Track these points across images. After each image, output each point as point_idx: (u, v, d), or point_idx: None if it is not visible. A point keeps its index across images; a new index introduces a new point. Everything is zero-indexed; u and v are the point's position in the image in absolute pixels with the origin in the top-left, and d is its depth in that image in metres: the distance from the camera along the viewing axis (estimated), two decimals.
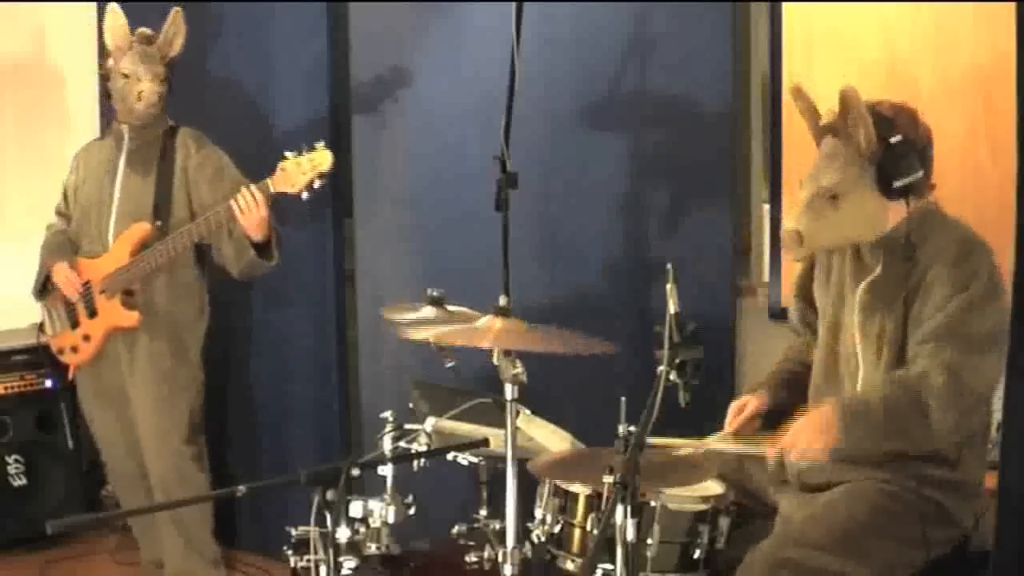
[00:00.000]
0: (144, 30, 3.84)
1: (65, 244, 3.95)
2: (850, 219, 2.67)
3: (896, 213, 2.65)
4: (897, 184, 2.60)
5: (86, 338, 3.92)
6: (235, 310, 4.10)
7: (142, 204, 3.84)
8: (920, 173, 2.61)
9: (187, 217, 3.84)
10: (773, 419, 2.81)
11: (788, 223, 2.71)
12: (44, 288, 3.96)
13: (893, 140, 2.60)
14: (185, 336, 3.93)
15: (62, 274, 3.85)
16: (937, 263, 2.58)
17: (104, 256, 3.85)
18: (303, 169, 3.52)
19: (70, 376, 4.06)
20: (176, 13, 3.84)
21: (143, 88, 3.78)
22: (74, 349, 3.96)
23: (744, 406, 2.87)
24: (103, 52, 3.95)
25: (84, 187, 3.96)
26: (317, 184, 3.54)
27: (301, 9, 4.18)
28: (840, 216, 2.66)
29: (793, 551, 2.51)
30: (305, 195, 3.55)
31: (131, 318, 3.83)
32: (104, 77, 3.91)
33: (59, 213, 4.05)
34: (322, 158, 3.53)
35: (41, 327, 4.06)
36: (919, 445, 2.56)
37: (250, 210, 3.59)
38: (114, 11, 3.82)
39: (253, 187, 3.60)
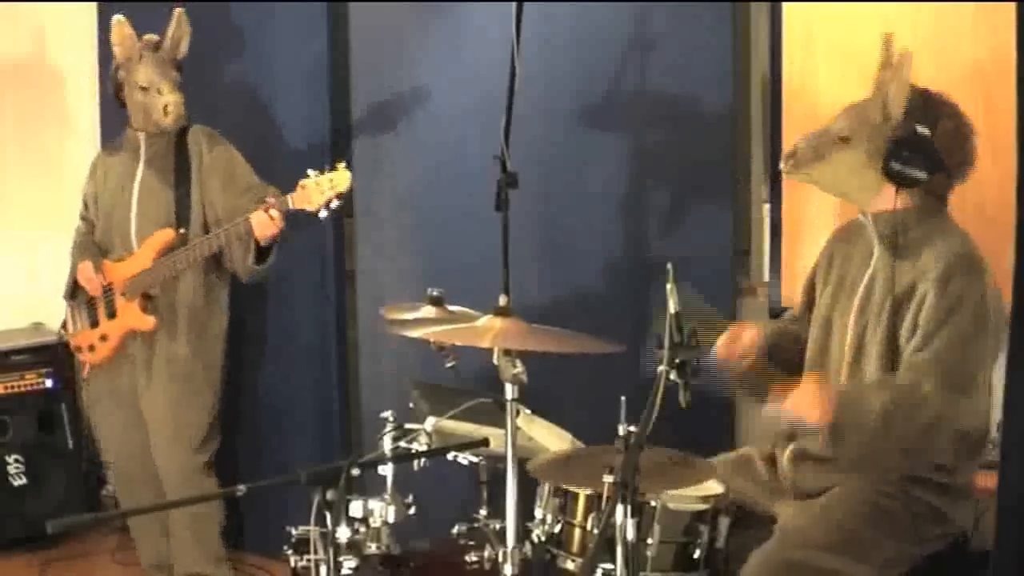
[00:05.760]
0: (151, 36, 3.83)
1: (91, 245, 3.98)
2: (847, 170, 2.64)
3: (904, 197, 2.60)
4: (894, 166, 2.57)
5: (103, 338, 3.94)
6: (235, 310, 4.10)
7: (162, 210, 3.86)
8: (923, 175, 2.58)
9: (206, 218, 3.86)
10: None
11: (794, 142, 2.70)
12: (75, 289, 3.98)
13: (920, 129, 2.57)
14: (205, 338, 3.94)
15: (84, 273, 3.88)
16: (928, 277, 2.54)
17: (129, 260, 3.87)
18: (322, 188, 3.53)
19: (84, 374, 4.08)
20: (180, 14, 3.84)
21: (168, 101, 3.78)
22: (91, 348, 3.98)
23: (740, 334, 2.80)
24: (105, 58, 3.93)
25: (104, 195, 3.98)
26: (335, 204, 3.55)
27: (301, 9, 4.18)
28: (839, 161, 2.64)
29: (795, 552, 2.52)
30: (323, 213, 3.57)
31: (148, 322, 3.84)
32: (117, 86, 3.88)
33: (83, 218, 4.08)
34: (341, 178, 3.53)
35: (63, 325, 4.08)
36: (906, 456, 2.54)
37: (269, 226, 3.62)
38: (120, 22, 3.81)
39: (274, 204, 3.61)
